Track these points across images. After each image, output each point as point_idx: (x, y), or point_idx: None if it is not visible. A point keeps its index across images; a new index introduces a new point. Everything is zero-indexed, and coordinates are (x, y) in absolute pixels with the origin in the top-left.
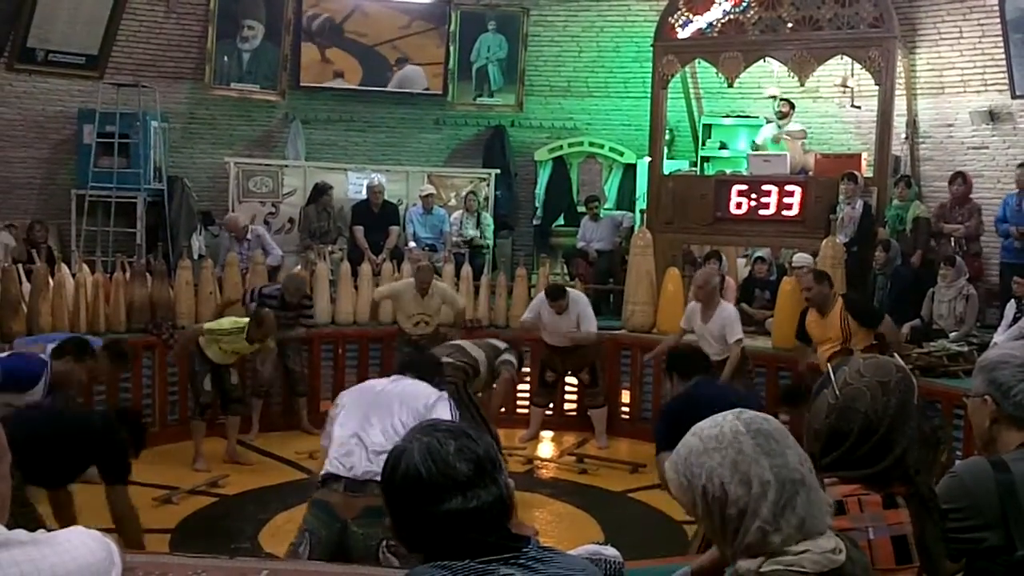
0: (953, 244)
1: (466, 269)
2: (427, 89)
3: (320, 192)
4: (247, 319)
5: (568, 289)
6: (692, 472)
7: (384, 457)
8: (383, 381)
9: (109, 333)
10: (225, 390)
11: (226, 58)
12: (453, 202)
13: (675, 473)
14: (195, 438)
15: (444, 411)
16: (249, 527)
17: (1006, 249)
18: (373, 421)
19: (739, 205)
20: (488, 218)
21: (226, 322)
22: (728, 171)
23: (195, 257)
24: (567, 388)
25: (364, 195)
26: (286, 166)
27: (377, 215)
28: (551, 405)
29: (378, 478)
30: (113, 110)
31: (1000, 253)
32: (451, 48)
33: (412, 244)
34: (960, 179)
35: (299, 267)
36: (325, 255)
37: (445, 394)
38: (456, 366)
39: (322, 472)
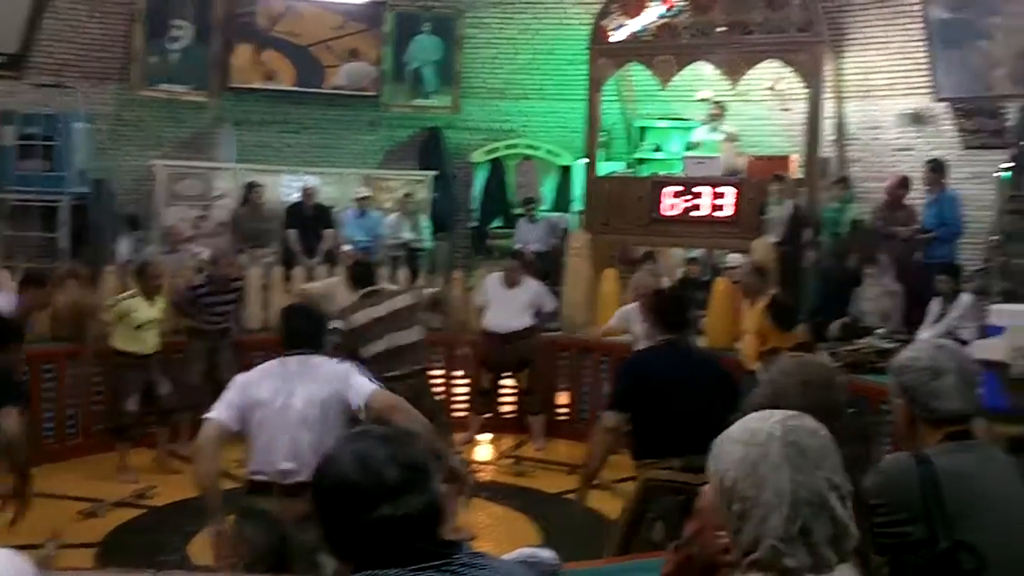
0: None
1: (403, 272)
2: (362, 90)
3: (249, 190)
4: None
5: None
6: (720, 454)
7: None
8: (278, 383)
9: (34, 343)
10: (154, 402)
11: (154, 58)
12: (389, 204)
13: (715, 464)
14: (119, 451)
15: (360, 377)
16: (178, 539)
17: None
18: (294, 430)
19: (674, 206)
20: (424, 220)
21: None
22: (663, 173)
23: (121, 262)
24: (505, 390)
25: (298, 198)
26: (217, 169)
27: (311, 218)
28: (488, 408)
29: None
30: (35, 111)
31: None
32: (385, 49)
33: (347, 247)
34: (903, 182)
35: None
36: (258, 259)
37: (350, 365)
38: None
39: (252, 479)
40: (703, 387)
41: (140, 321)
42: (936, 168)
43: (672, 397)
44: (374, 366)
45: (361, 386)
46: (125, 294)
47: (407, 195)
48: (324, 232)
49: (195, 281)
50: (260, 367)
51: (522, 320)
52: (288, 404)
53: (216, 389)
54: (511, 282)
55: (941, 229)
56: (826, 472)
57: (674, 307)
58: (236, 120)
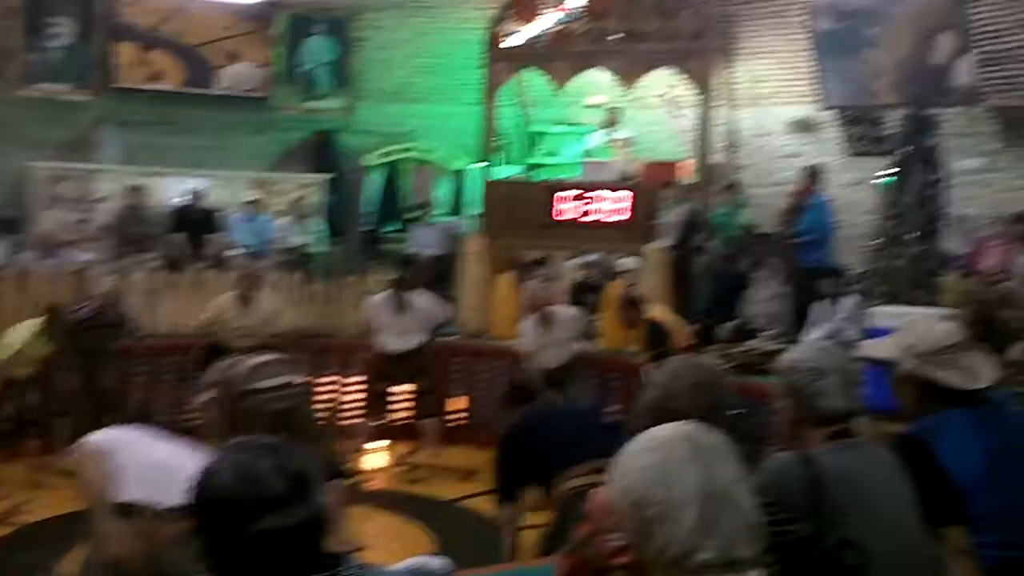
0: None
1: (294, 277)
2: (252, 91)
3: (131, 194)
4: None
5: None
6: (626, 465)
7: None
8: None
9: None
10: (22, 412)
11: (32, 57)
12: (280, 208)
13: (617, 476)
14: None
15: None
16: (50, 559)
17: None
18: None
19: (569, 211)
20: (317, 224)
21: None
22: (558, 178)
23: None
24: (398, 397)
25: (184, 201)
26: (99, 171)
27: (198, 221)
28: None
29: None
30: None
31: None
32: (277, 50)
33: (236, 251)
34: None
35: (113, 277)
36: (141, 263)
37: None
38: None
39: (125, 498)
40: (573, 423)
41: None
42: (812, 174)
43: (555, 437)
44: None
45: None
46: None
47: (299, 199)
48: (212, 236)
49: (80, 314)
50: None
51: (416, 339)
52: None
53: (95, 396)
54: (398, 306)
55: (812, 233)
56: (732, 467)
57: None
58: (120, 121)
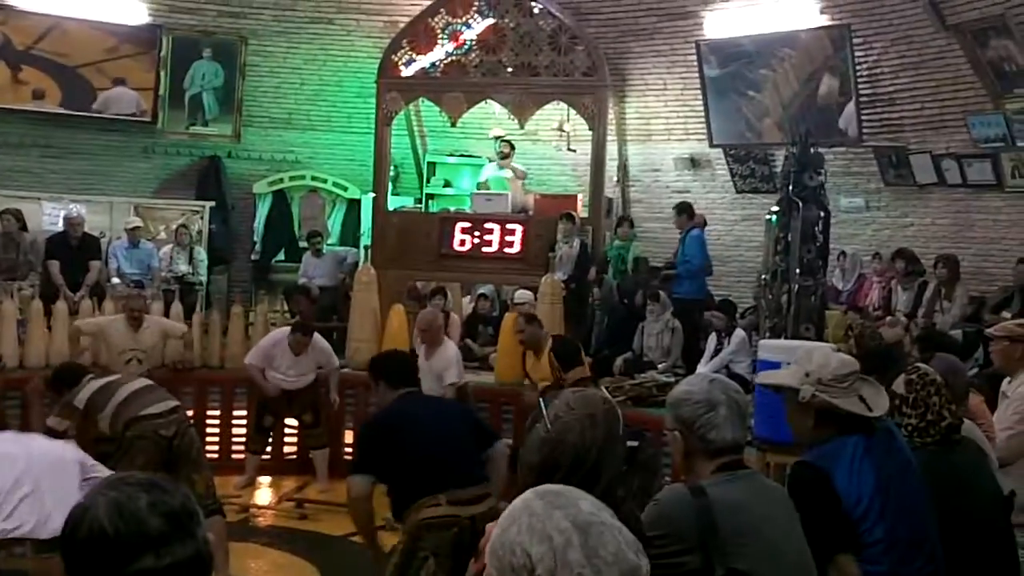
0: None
1: (176, 307)
2: (135, 115)
3: (4, 219)
4: None
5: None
6: (497, 555)
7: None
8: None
9: None
10: None
11: None
12: (163, 235)
13: (489, 564)
14: None
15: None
16: None
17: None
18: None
19: (463, 242)
20: (202, 252)
21: None
22: (452, 209)
23: None
24: (286, 430)
25: (61, 227)
26: None
27: (76, 248)
28: (268, 449)
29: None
30: None
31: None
32: (162, 74)
33: (116, 280)
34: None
35: None
36: (13, 292)
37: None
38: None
39: None
40: (446, 425)
41: None
42: (681, 210)
43: (419, 441)
44: None
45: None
46: None
47: (183, 226)
48: (90, 264)
49: None
50: None
51: (307, 379)
52: None
53: None
54: (297, 350)
55: (682, 266)
56: (588, 500)
57: (398, 365)
58: None
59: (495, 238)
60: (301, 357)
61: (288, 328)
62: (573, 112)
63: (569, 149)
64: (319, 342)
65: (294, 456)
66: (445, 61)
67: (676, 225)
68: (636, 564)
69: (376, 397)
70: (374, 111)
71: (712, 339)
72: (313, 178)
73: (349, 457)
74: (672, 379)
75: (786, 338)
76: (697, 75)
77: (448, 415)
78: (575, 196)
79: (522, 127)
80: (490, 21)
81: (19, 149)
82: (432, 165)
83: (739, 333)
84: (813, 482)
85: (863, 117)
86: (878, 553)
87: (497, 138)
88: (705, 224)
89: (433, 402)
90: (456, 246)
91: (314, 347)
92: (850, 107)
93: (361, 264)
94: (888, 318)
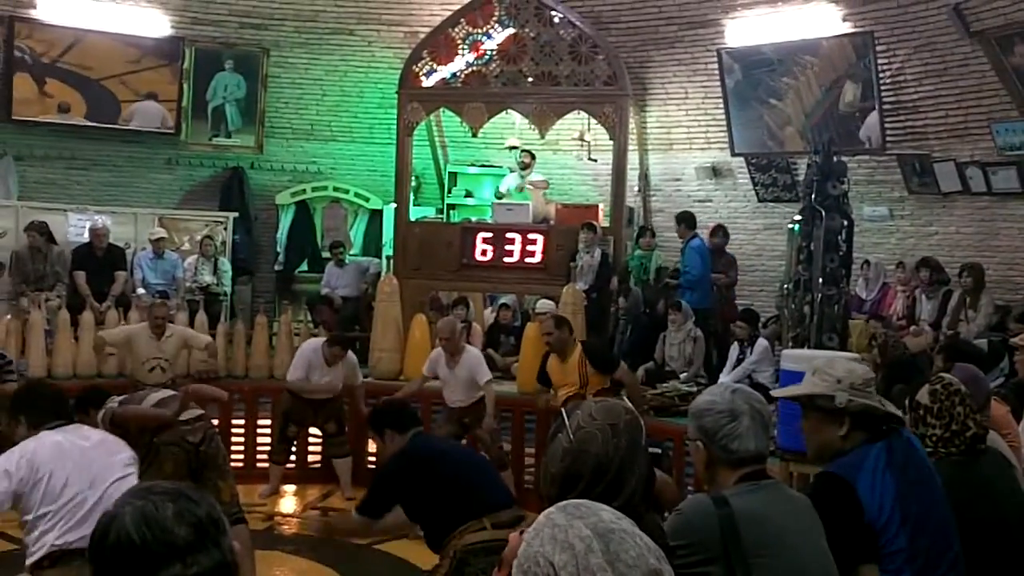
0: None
1: (201, 317)
2: (159, 127)
3: (32, 231)
4: None
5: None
6: (522, 569)
7: None
8: (68, 436)
9: None
10: None
11: None
12: (187, 246)
13: None
14: None
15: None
16: None
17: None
18: (97, 483)
19: (484, 252)
20: (226, 263)
21: None
22: (473, 219)
23: None
24: (310, 439)
25: (86, 238)
26: None
27: (101, 259)
28: (292, 458)
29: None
30: None
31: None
32: (185, 85)
33: (141, 291)
34: (721, 231)
35: (8, 317)
36: (40, 303)
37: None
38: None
39: (49, 546)
40: (470, 453)
41: None
42: (682, 220)
43: (455, 470)
44: None
45: None
46: None
47: (207, 237)
48: (115, 275)
49: None
50: None
51: (335, 390)
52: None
53: None
54: (332, 362)
55: (683, 277)
56: (608, 511)
57: (398, 411)
58: (18, 154)
59: (516, 248)
60: (334, 368)
61: (318, 339)
62: (594, 122)
63: (590, 159)
64: (350, 357)
65: (318, 465)
66: (466, 71)
67: (678, 235)
68: (658, 569)
69: (386, 449)
70: (395, 121)
71: (734, 348)
72: (335, 189)
73: (371, 465)
74: (694, 388)
75: (809, 348)
76: (718, 83)
77: (462, 446)
78: (596, 206)
79: (543, 137)
80: (510, 31)
81: (45, 161)
82: (453, 175)
83: (762, 342)
84: (836, 492)
85: (886, 125)
86: (901, 562)
87: (513, 148)
88: (727, 235)
89: (445, 442)
90: (478, 256)
91: (347, 361)
92: (873, 115)
93: (383, 274)
94: (912, 328)
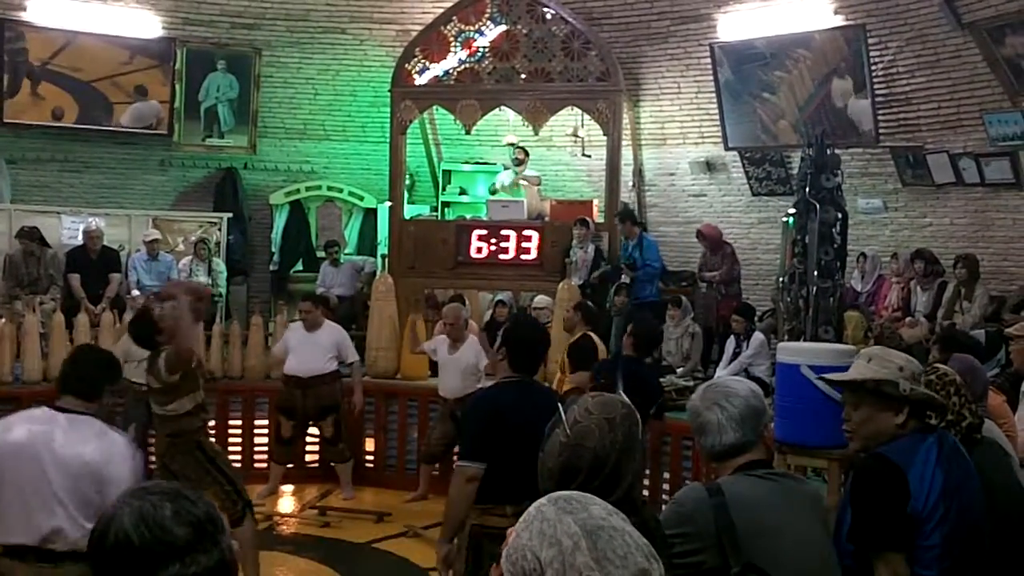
0: (712, 287)
1: None
2: (151, 128)
3: (25, 234)
4: None
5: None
6: (510, 560)
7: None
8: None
9: None
10: None
11: None
12: (181, 247)
13: (504, 570)
14: None
15: (122, 470)
16: None
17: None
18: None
19: (479, 249)
20: (220, 264)
21: None
22: (468, 216)
23: None
24: (308, 438)
25: (80, 240)
26: None
27: (95, 262)
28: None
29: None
30: None
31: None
32: (177, 86)
33: (136, 292)
34: (716, 228)
35: (2, 321)
36: (35, 306)
37: (120, 441)
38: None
39: None
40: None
41: None
42: (625, 217)
43: (519, 442)
44: None
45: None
46: None
47: (201, 238)
48: (110, 277)
49: None
50: None
51: (323, 364)
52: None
53: None
54: (310, 325)
55: (643, 271)
56: (599, 505)
57: (527, 349)
58: (9, 157)
59: (511, 245)
60: (315, 335)
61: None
62: (587, 117)
63: (584, 155)
64: (337, 330)
65: (316, 464)
66: (458, 69)
67: (624, 233)
68: (646, 568)
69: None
70: (388, 120)
71: (731, 342)
72: (329, 188)
73: (369, 465)
74: (692, 383)
75: (805, 340)
76: (711, 78)
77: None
78: (591, 202)
79: (536, 133)
80: (503, 28)
81: (37, 164)
82: (447, 173)
83: (758, 336)
84: (887, 475)
85: (879, 117)
86: (931, 558)
87: (511, 145)
88: (720, 233)
89: (541, 399)
90: (473, 253)
91: (328, 327)
92: (866, 107)
93: (379, 273)
94: (908, 319)
